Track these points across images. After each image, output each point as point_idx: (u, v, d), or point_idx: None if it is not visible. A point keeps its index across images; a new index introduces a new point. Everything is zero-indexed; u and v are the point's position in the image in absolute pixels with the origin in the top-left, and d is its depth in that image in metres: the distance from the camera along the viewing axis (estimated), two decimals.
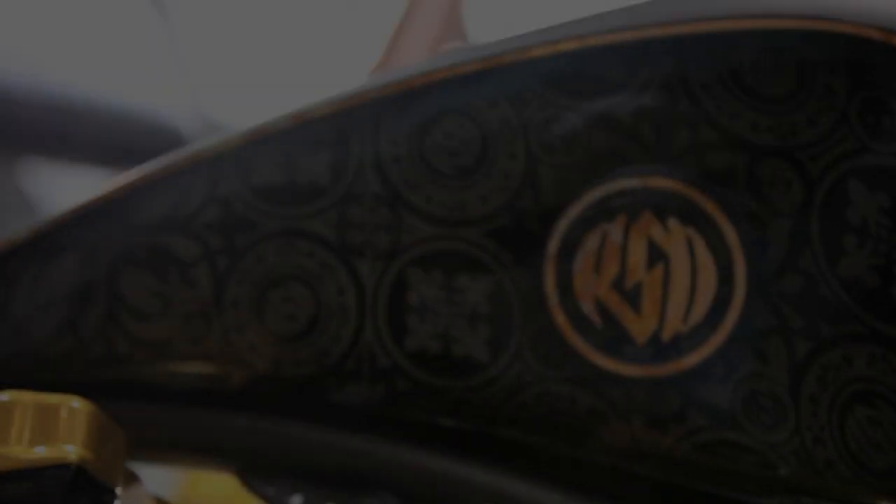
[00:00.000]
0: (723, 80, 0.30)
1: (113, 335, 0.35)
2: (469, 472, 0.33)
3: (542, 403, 0.32)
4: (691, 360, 0.31)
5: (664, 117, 0.31)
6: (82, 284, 0.35)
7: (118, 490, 0.29)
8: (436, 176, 0.33)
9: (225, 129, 0.35)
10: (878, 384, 0.28)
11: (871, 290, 0.28)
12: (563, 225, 0.32)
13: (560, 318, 0.32)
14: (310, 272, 0.34)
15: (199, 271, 0.34)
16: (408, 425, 0.34)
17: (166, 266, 0.34)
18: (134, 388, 0.35)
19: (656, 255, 0.31)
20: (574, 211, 0.32)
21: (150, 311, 0.35)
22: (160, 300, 0.35)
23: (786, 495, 0.30)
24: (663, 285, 0.31)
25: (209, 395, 0.35)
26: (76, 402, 0.29)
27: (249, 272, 0.34)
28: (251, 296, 0.34)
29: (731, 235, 0.30)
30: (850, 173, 0.29)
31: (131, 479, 0.32)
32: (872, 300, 0.28)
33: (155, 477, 0.35)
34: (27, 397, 0.29)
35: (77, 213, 0.35)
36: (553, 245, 0.32)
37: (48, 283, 0.35)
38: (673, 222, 0.31)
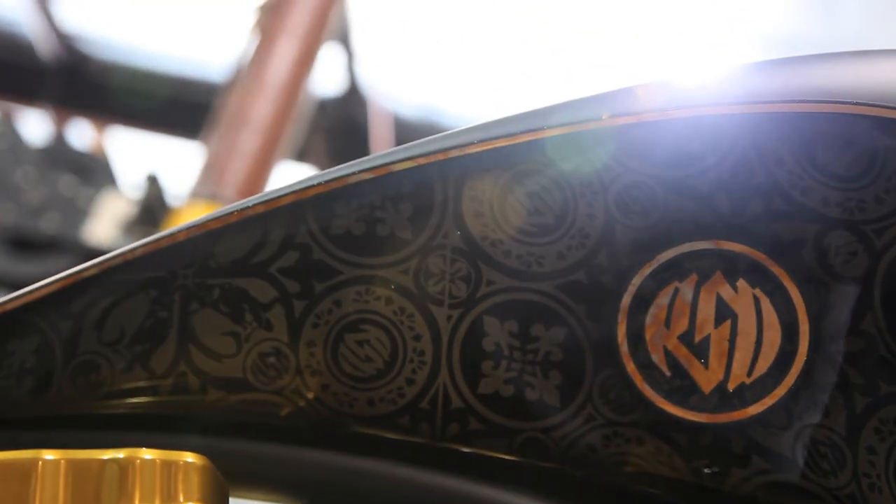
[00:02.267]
0: (797, 158, 0.33)
1: (185, 371, 0.36)
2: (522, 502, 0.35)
3: (609, 444, 0.34)
4: (755, 409, 0.34)
5: (739, 189, 0.33)
6: (154, 323, 0.35)
7: None
8: (516, 232, 0.35)
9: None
10: None
11: None
12: (636, 281, 0.34)
13: (630, 367, 0.34)
14: (386, 318, 0.35)
15: (274, 313, 0.35)
16: (479, 462, 0.36)
17: (241, 307, 0.35)
18: (206, 424, 0.36)
19: (725, 312, 0.34)
20: (648, 269, 0.34)
21: (223, 350, 0.36)
22: (234, 339, 0.36)
23: None
24: (730, 340, 0.34)
25: (282, 432, 0.36)
26: (191, 458, 0.30)
27: (325, 316, 0.35)
28: (326, 338, 0.35)
29: (796, 297, 0.33)
30: None
31: None
32: None
33: None
34: (145, 454, 0.29)
35: (149, 252, 0.36)
36: (626, 299, 0.34)
37: (117, 320, 0.35)
38: (742, 283, 0.34)
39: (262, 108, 1.37)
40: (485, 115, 0.35)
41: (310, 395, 0.35)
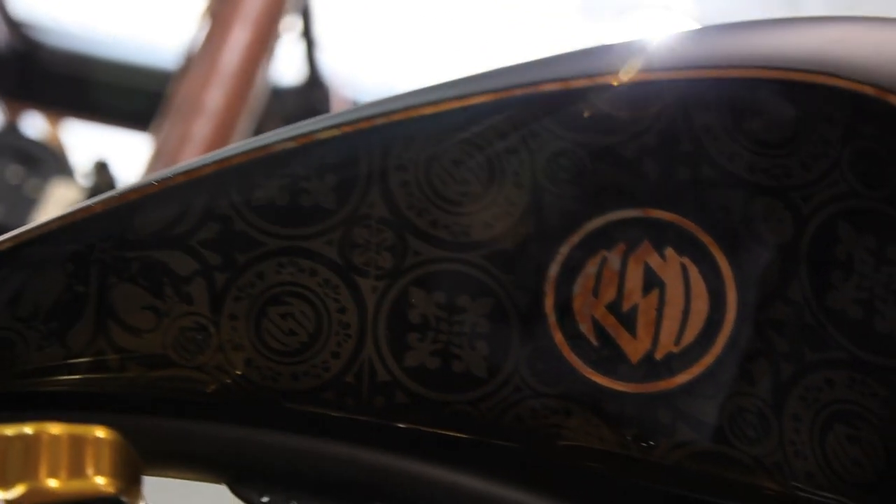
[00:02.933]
0: (724, 123, 0.32)
1: (103, 348, 0.35)
2: (465, 480, 0.34)
3: (537, 416, 0.34)
4: (682, 378, 0.33)
5: (666, 156, 0.33)
6: (71, 298, 0.34)
7: None
8: (442, 201, 0.34)
9: None
10: (858, 405, 0.31)
11: (854, 322, 0.31)
12: (564, 251, 0.34)
13: (558, 337, 0.34)
14: (311, 290, 0.34)
15: (195, 286, 0.35)
16: (405, 436, 0.35)
17: (160, 280, 0.34)
18: (125, 400, 0.35)
19: (652, 281, 0.33)
20: (576, 238, 0.34)
21: (143, 326, 0.35)
22: (154, 314, 0.35)
23: (770, 503, 0.33)
24: (658, 309, 0.33)
25: (203, 407, 0.35)
26: (101, 433, 0.29)
27: (248, 289, 0.34)
28: (249, 311, 0.34)
29: (723, 265, 0.33)
30: (838, 214, 0.32)
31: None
32: (855, 330, 0.32)
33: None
34: (54, 429, 0.29)
35: (65, 225, 0.35)
36: (554, 269, 0.34)
37: (31, 295, 0.34)
38: (670, 251, 0.33)
39: (214, 95, 1.35)
40: None
41: (233, 371, 0.35)
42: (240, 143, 0.35)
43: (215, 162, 0.34)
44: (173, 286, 0.34)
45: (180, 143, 1.34)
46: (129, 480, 0.30)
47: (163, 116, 1.38)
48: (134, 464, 0.30)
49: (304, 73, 1.78)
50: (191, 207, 0.34)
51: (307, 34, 1.69)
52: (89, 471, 0.28)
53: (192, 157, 1.34)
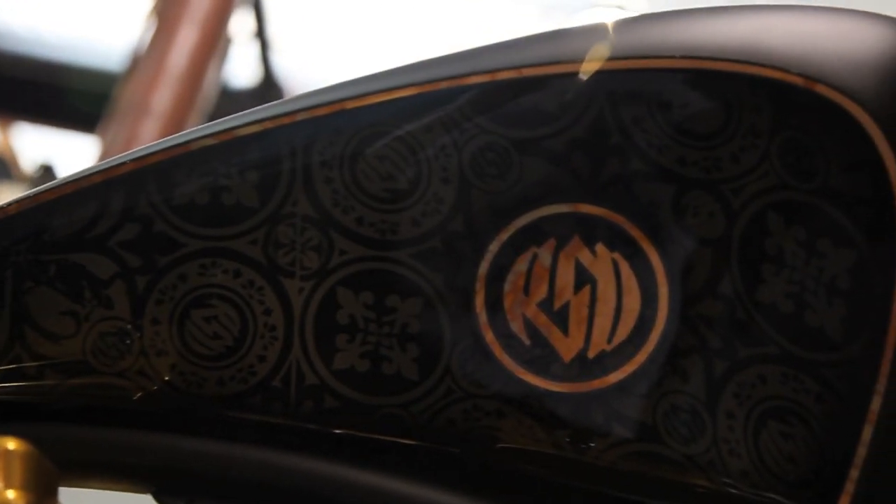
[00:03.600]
0: (653, 115, 0.32)
1: (20, 355, 0.34)
2: (398, 485, 0.34)
3: (469, 418, 0.33)
4: (615, 377, 0.33)
5: (596, 149, 0.32)
6: None
7: None
8: (368, 198, 0.33)
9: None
10: (791, 402, 0.31)
11: (786, 316, 0.31)
12: (493, 247, 0.33)
13: (489, 337, 0.33)
14: (235, 292, 0.33)
15: (115, 290, 0.33)
16: (336, 441, 0.34)
17: (79, 284, 0.33)
18: (46, 409, 0.34)
19: (584, 277, 0.33)
20: (505, 234, 0.33)
21: (61, 331, 0.34)
22: (73, 319, 0.34)
23: (703, 501, 0.32)
24: (590, 307, 0.33)
25: (127, 415, 0.34)
26: (12, 444, 0.28)
27: (170, 291, 0.33)
28: (172, 315, 0.33)
29: (655, 260, 0.32)
30: (769, 207, 0.31)
31: None
32: (786, 325, 0.31)
33: None
34: None
35: None
36: (484, 266, 0.33)
37: None
38: (600, 247, 0.33)
39: (161, 96, 1.34)
40: None
41: (157, 377, 0.34)
42: (158, 141, 0.33)
43: (133, 160, 0.33)
44: (92, 290, 0.33)
45: (127, 145, 1.32)
46: (43, 493, 0.28)
47: (110, 118, 1.36)
48: (49, 475, 0.29)
49: (258, 75, 1.76)
50: (108, 208, 0.33)
51: (261, 35, 1.68)
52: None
53: None
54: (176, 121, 1.35)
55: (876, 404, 0.29)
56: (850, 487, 0.29)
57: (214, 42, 1.40)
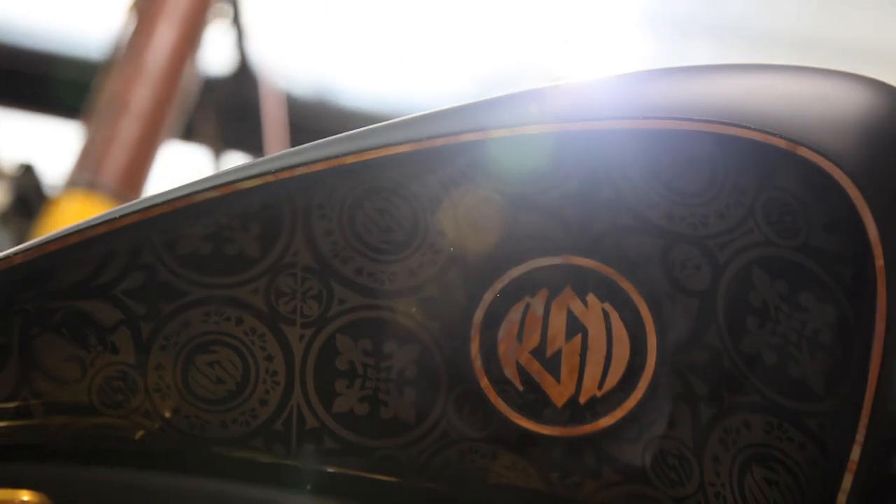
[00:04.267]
0: (642, 173, 0.33)
1: (28, 398, 0.34)
2: None
3: (465, 459, 0.34)
4: (606, 421, 0.34)
5: (587, 204, 0.33)
6: None
7: None
8: (367, 249, 0.34)
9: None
10: (774, 449, 0.32)
11: (770, 367, 0.32)
12: (488, 297, 0.34)
13: (484, 382, 0.34)
14: (237, 338, 0.34)
15: (119, 336, 0.34)
16: (335, 481, 0.35)
17: (84, 331, 0.34)
18: (53, 451, 0.35)
19: (575, 326, 0.34)
20: (500, 284, 0.34)
21: (68, 376, 0.35)
22: (79, 364, 0.34)
23: None
24: (581, 354, 0.34)
25: (135, 457, 0.35)
26: (27, 496, 0.29)
27: (174, 338, 0.34)
28: (176, 360, 0.34)
29: (644, 311, 0.34)
30: (753, 262, 0.32)
31: None
32: (770, 375, 0.32)
33: None
34: None
35: None
36: (479, 314, 0.34)
37: None
38: (591, 297, 0.34)
39: (141, 94, 1.33)
40: (378, 92, 0.34)
41: (160, 419, 0.35)
42: (161, 193, 0.34)
43: (137, 211, 0.34)
44: (98, 336, 0.34)
45: (107, 142, 1.32)
46: None
47: (89, 116, 1.35)
48: None
49: (233, 63, 1.75)
50: (113, 257, 0.34)
51: (237, 23, 1.67)
52: None
53: (119, 156, 1.32)
54: (156, 118, 1.35)
55: (856, 454, 0.30)
56: None
57: (193, 39, 1.40)
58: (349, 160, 0.33)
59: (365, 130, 0.34)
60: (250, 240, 0.34)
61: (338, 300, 0.34)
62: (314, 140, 0.34)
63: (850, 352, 0.31)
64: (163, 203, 0.34)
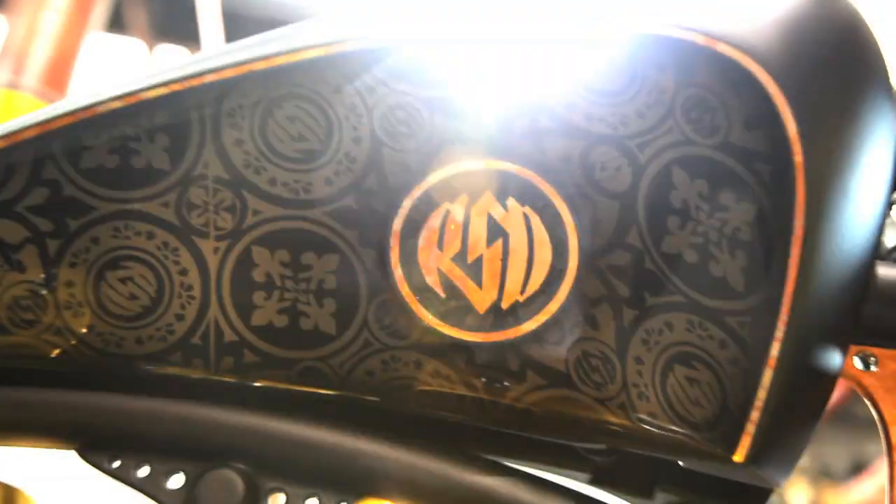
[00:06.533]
0: (559, 73, 0.32)
1: None
2: (319, 434, 0.35)
3: (388, 369, 0.34)
4: (529, 326, 0.34)
5: (505, 107, 0.32)
6: None
7: None
8: (280, 159, 0.33)
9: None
10: (696, 348, 0.32)
11: (691, 266, 0.32)
12: (407, 204, 0.33)
13: (405, 290, 0.34)
14: (149, 253, 0.33)
15: (26, 254, 0.33)
16: (257, 394, 0.35)
17: None
18: None
19: (496, 231, 0.33)
20: (418, 191, 0.33)
21: None
22: None
23: (612, 440, 0.34)
24: (503, 259, 0.33)
25: (48, 375, 0.35)
26: None
27: (83, 254, 0.33)
28: (86, 277, 0.33)
29: (565, 214, 0.33)
30: (674, 162, 0.32)
31: None
32: (691, 275, 0.32)
33: None
34: None
35: None
36: (398, 223, 0.34)
37: None
38: (512, 201, 0.33)
39: None
40: None
41: (74, 337, 0.34)
42: (62, 104, 0.33)
43: (37, 124, 0.33)
44: (3, 254, 0.33)
45: (28, 39, 1.27)
46: None
47: (9, 10, 1.30)
48: None
49: None
50: (14, 173, 0.33)
51: None
52: None
53: (42, 53, 1.28)
54: (79, 12, 1.30)
55: (775, 350, 0.31)
56: (750, 428, 0.31)
57: None
58: (259, 66, 0.32)
59: (275, 33, 0.32)
60: (158, 151, 0.33)
61: (252, 211, 0.33)
62: (252, 30, 0.32)
63: (769, 249, 0.31)
64: (63, 115, 0.32)
